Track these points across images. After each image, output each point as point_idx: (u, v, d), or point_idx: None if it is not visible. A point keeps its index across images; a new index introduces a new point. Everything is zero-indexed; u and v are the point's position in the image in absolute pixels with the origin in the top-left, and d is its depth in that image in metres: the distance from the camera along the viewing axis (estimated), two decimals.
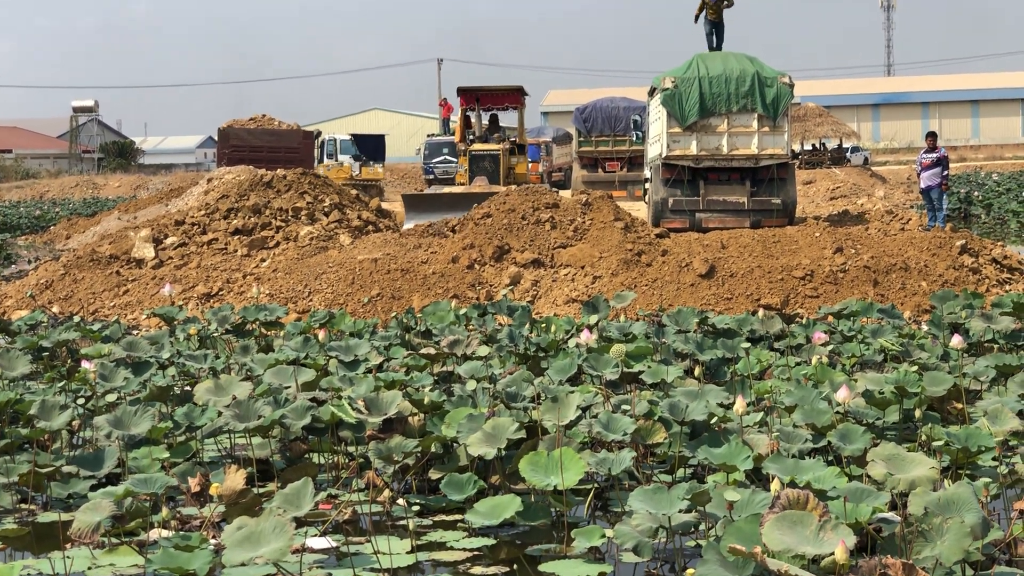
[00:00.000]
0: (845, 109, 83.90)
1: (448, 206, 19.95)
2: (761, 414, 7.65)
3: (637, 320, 12.05)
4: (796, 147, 49.52)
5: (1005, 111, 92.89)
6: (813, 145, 53.31)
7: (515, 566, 5.90)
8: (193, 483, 6.66)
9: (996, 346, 10.33)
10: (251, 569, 5.60)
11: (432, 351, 9.57)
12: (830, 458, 7.01)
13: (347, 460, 7.51)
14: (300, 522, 6.03)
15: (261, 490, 7.06)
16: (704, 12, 21.73)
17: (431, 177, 40.81)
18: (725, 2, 21.54)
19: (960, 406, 8.12)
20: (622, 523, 5.61)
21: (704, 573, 4.71)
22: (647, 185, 22.53)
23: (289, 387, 8.31)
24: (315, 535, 6.22)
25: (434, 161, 42.44)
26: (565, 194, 19.04)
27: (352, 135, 44.87)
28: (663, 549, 5.86)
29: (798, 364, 9.52)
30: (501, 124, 25.74)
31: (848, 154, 55.53)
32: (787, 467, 6.12)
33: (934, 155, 20.44)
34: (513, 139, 24.36)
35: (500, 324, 11.67)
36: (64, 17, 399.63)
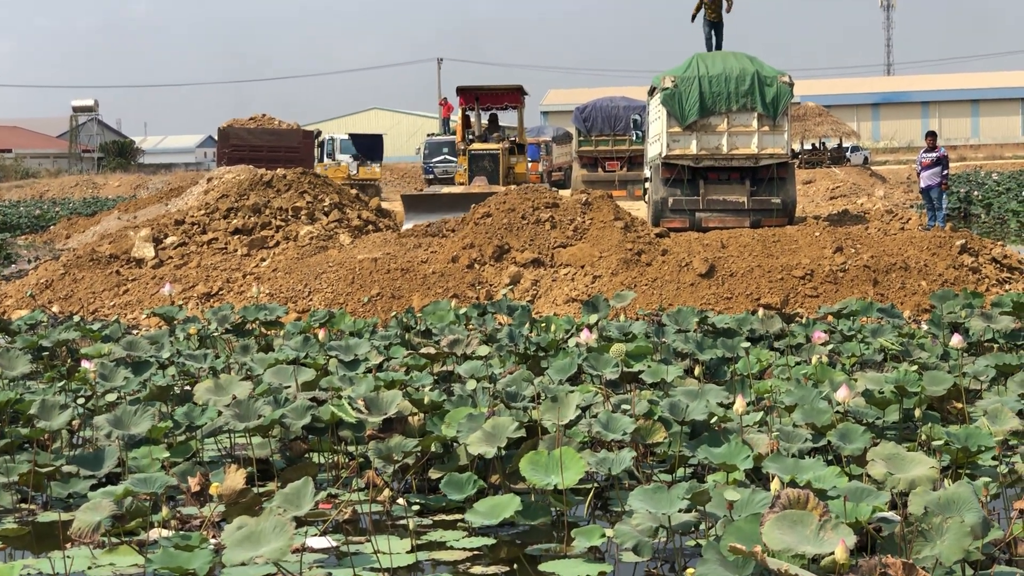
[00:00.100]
0: (845, 108, 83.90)
1: (448, 206, 19.93)
2: (761, 414, 7.65)
3: (637, 320, 12.06)
4: (796, 146, 49.52)
5: (1005, 110, 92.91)
6: (813, 144, 53.30)
7: (515, 566, 5.90)
8: (193, 483, 6.66)
9: (996, 345, 10.33)
10: (251, 569, 5.59)
11: (432, 351, 9.57)
12: (830, 457, 7.01)
13: (347, 460, 7.51)
14: (300, 522, 6.03)
15: (261, 490, 7.06)
16: (703, 12, 21.69)
17: (431, 176, 40.80)
18: (726, 5, 21.48)
19: (960, 405, 8.12)
20: (622, 523, 5.60)
21: (704, 572, 4.71)
22: (647, 185, 22.52)
23: (289, 387, 8.31)
24: (315, 535, 6.22)
25: (434, 160, 42.43)
26: (565, 193, 19.02)
27: (350, 134, 44.85)
28: (663, 549, 5.87)
29: (798, 363, 9.52)
30: (501, 123, 25.72)
31: (848, 153, 55.52)
32: (787, 466, 6.12)
33: (934, 154, 20.44)
34: (513, 138, 24.34)
35: (500, 324, 11.67)
36: (64, 17, 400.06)
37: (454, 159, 33.78)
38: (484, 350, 9.69)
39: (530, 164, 29.57)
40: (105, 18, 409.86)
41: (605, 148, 35.92)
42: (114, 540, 6.15)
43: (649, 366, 8.91)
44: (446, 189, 23.01)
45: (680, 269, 15.01)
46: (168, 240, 18.03)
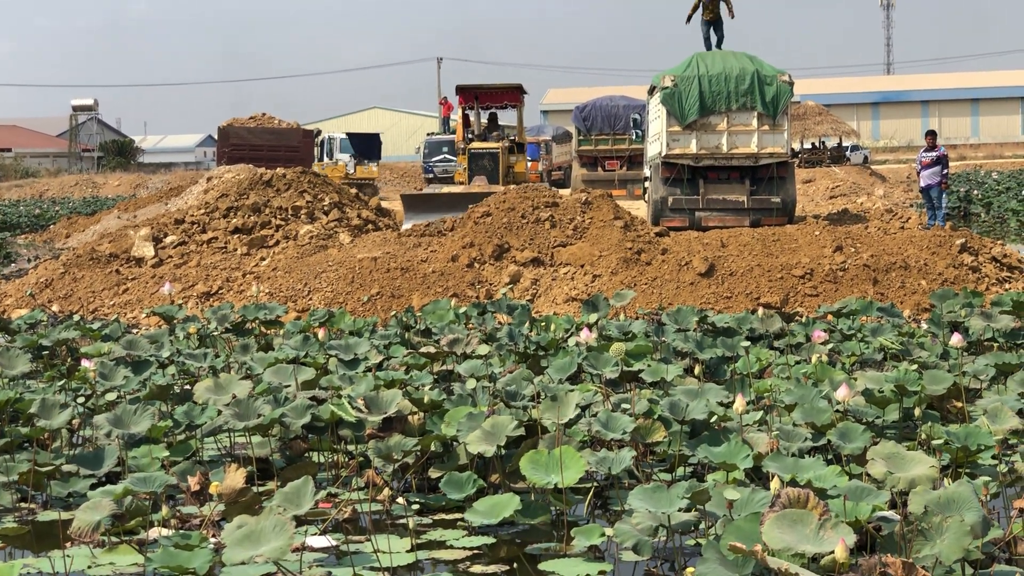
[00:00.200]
0: (845, 108, 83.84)
1: (447, 206, 19.93)
2: (761, 413, 7.65)
3: (637, 319, 12.06)
4: (796, 146, 49.49)
5: (1005, 110, 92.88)
6: (813, 144, 53.27)
7: (515, 565, 5.90)
8: (193, 482, 6.66)
9: (996, 344, 10.34)
10: (251, 568, 5.59)
11: (432, 350, 9.57)
12: (830, 457, 7.01)
13: (347, 459, 7.51)
14: (300, 521, 6.03)
15: (261, 489, 7.06)
16: (700, 12, 21.63)
17: (431, 176, 40.79)
18: (728, 11, 21.40)
19: (960, 404, 8.12)
20: (622, 522, 5.60)
21: (704, 572, 4.71)
22: (647, 184, 22.50)
23: (289, 386, 8.31)
24: (315, 534, 6.22)
25: (434, 160, 42.41)
26: (564, 193, 19.02)
27: (348, 134, 44.86)
28: (663, 548, 5.87)
29: (798, 363, 9.52)
30: (500, 123, 25.71)
31: (848, 153, 55.48)
32: (787, 466, 6.12)
33: (934, 154, 20.44)
34: (512, 138, 24.33)
35: (500, 323, 11.67)
36: (64, 17, 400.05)
37: (454, 158, 33.76)
38: (484, 349, 9.69)
39: (530, 163, 29.55)
40: (105, 18, 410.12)
41: (605, 147, 35.89)
42: (114, 539, 6.14)
43: (649, 365, 8.91)
44: (446, 188, 23.01)
45: (680, 268, 15.01)
46: (168, 239, 18.03)
